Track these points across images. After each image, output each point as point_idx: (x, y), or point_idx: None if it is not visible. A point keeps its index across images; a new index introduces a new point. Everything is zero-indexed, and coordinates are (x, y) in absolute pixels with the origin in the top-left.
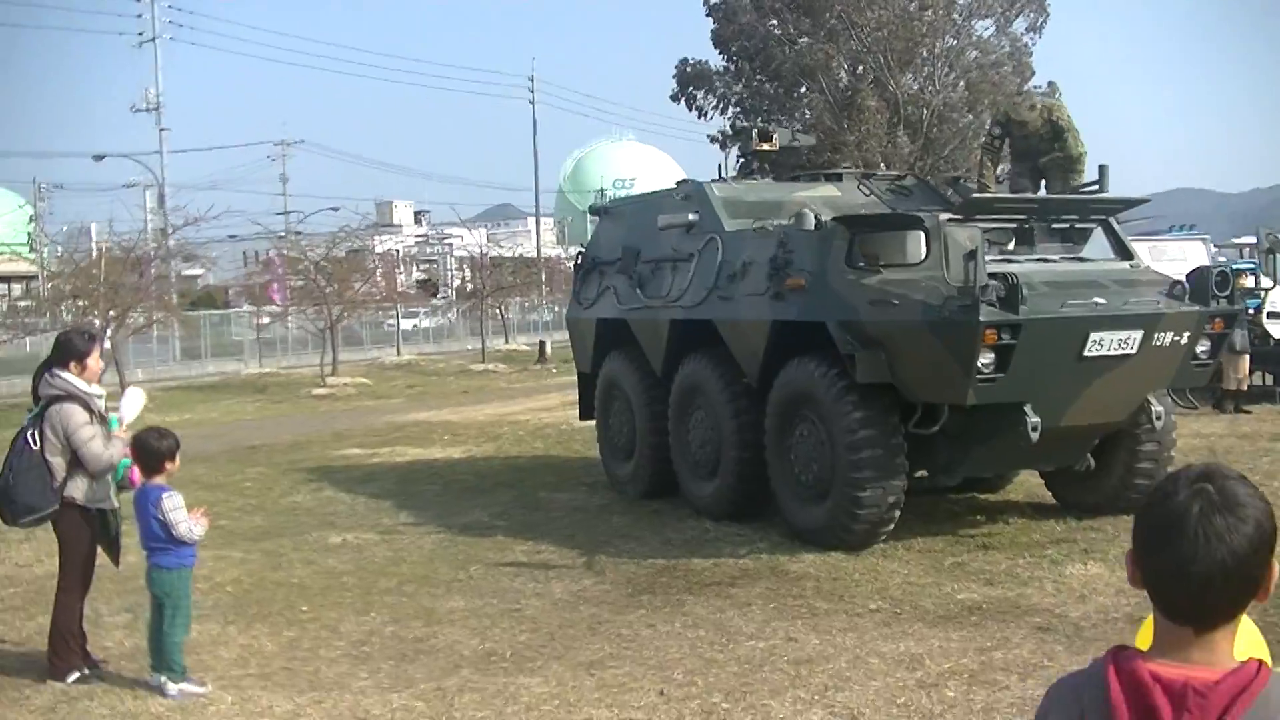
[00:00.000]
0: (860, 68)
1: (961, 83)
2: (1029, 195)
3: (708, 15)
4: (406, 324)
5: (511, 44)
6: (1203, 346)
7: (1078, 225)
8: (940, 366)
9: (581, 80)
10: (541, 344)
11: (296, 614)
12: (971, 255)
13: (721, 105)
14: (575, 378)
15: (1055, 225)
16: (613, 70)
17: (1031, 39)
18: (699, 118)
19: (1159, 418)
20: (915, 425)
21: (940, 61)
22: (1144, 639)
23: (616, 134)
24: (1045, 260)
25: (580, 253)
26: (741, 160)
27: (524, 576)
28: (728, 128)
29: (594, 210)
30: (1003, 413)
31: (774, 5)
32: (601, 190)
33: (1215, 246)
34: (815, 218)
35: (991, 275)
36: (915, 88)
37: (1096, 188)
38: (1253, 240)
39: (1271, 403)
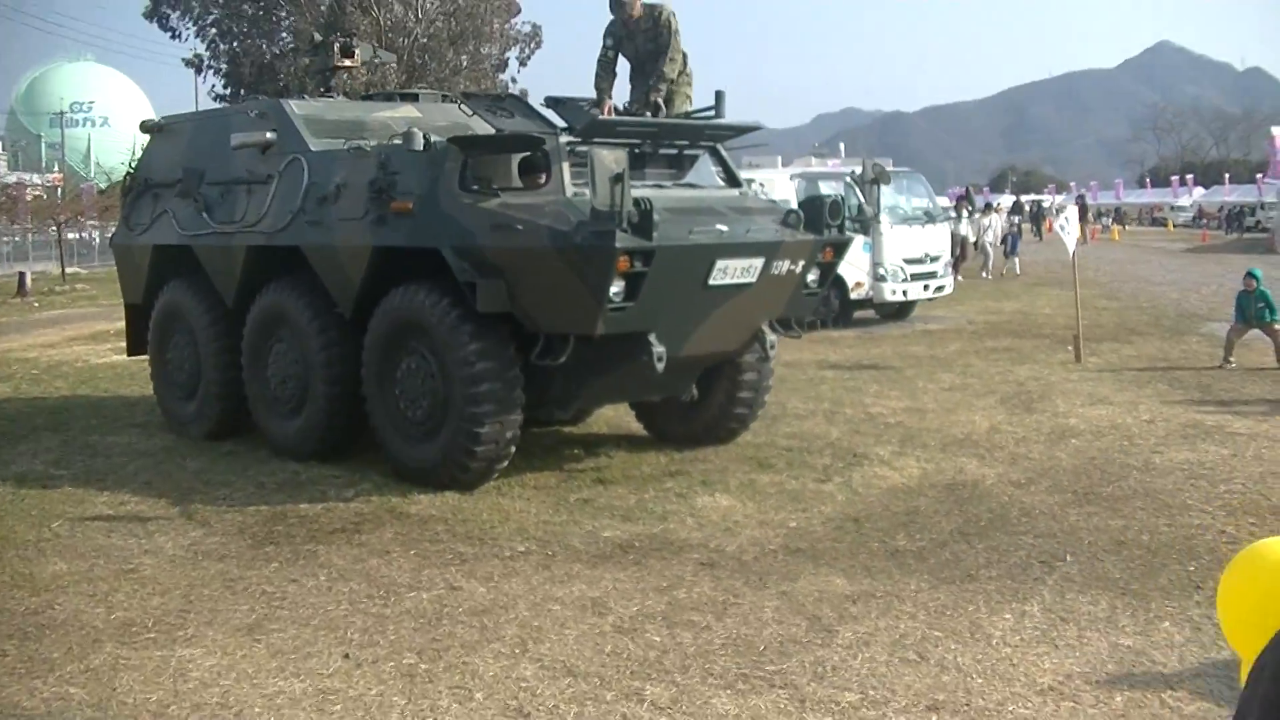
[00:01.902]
0: None
1: (443, 15)
2: (649, 119)
3: None
4: None
5: None
6: (813, 276)
7: (686, 151)
8: (568, 295)
9: None
10: (21, 275)
11: None
12: (619, 178)
13: (199, 27)
14: (64, 312)
15: (663, 151)
16: None
17: None
18: (172, 39)
19: (772, 347)
20: (538, 357)
21: None
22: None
23: (75, 53)
24: (660, 186)
25: (129, 174)
26: (320, 76)
27: (120, 532)
28: (202, 50)
29: (144, 127)
30: (625, 343)
31: None
32: (61, 114)
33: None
34: (425, 138)
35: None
36: (400, 13)
37: (713, 113)
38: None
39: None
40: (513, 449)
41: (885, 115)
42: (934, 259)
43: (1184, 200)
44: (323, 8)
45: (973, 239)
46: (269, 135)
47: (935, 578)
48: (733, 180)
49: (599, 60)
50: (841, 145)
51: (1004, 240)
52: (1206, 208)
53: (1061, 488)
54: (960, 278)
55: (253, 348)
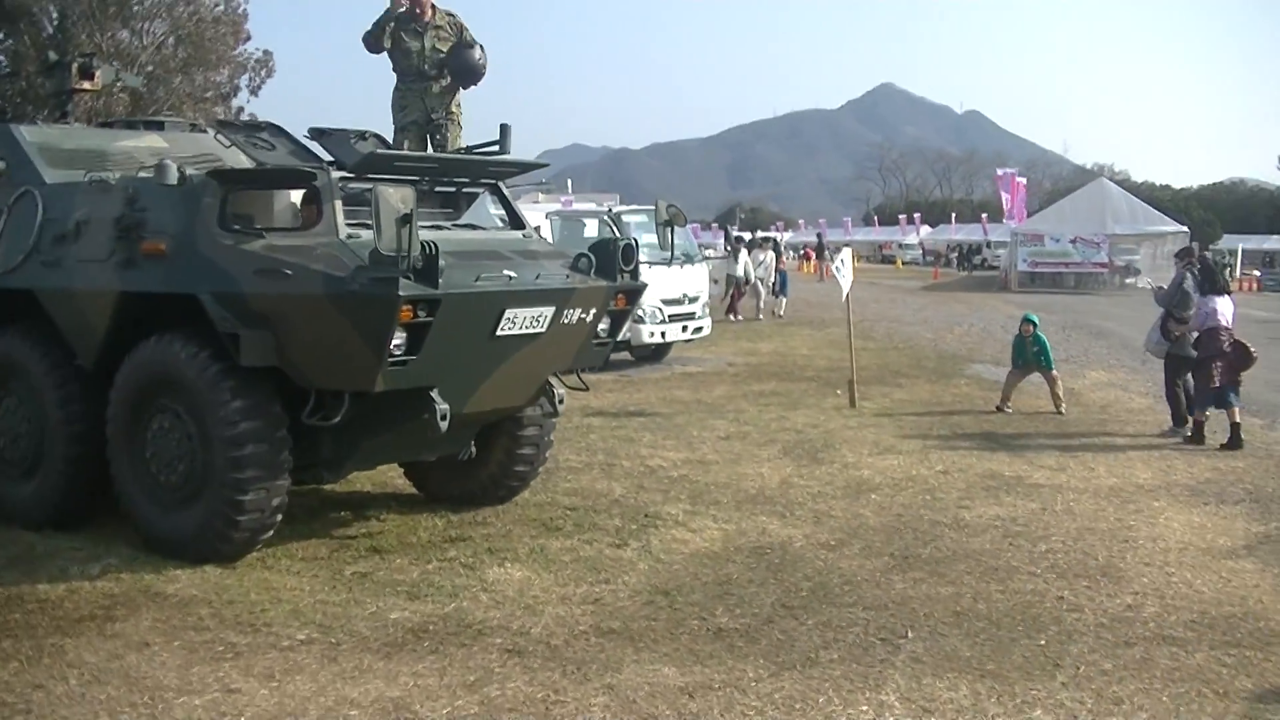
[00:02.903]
0: (71, 14)
1: (172, 39)
2: (429, 154)
3: None
4: None
5: None
6: (604, 324)
7: (465, 190)
8: (344, 348)
9: None
10: None
11: None
12: (406, 220)
13: None
14: None
15: (438, 189)
16: None
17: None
18: None
19: (561, 401)
20: (309, 416)
21: (154, 15)
22: None
23: None
24: (439, 228)
25: None
26: (55, 99)
27: None
28: None
29: None
30: (405, 400)
31: None
32: None
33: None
34: (179, 170)
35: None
36: (127, 40)
37: (497, 149)
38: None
39: None
40: (279, 517)
41: (612, 151)
42: (692, 299)
43: (911, 238)
44: (44, 35)
45: (750, 277)
46: None
47: (772, 662)
48: (516, 221)
49: (370, 36)
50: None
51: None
52: (933, 245)
53: (876, 550)
54: (739, 317)
55: None
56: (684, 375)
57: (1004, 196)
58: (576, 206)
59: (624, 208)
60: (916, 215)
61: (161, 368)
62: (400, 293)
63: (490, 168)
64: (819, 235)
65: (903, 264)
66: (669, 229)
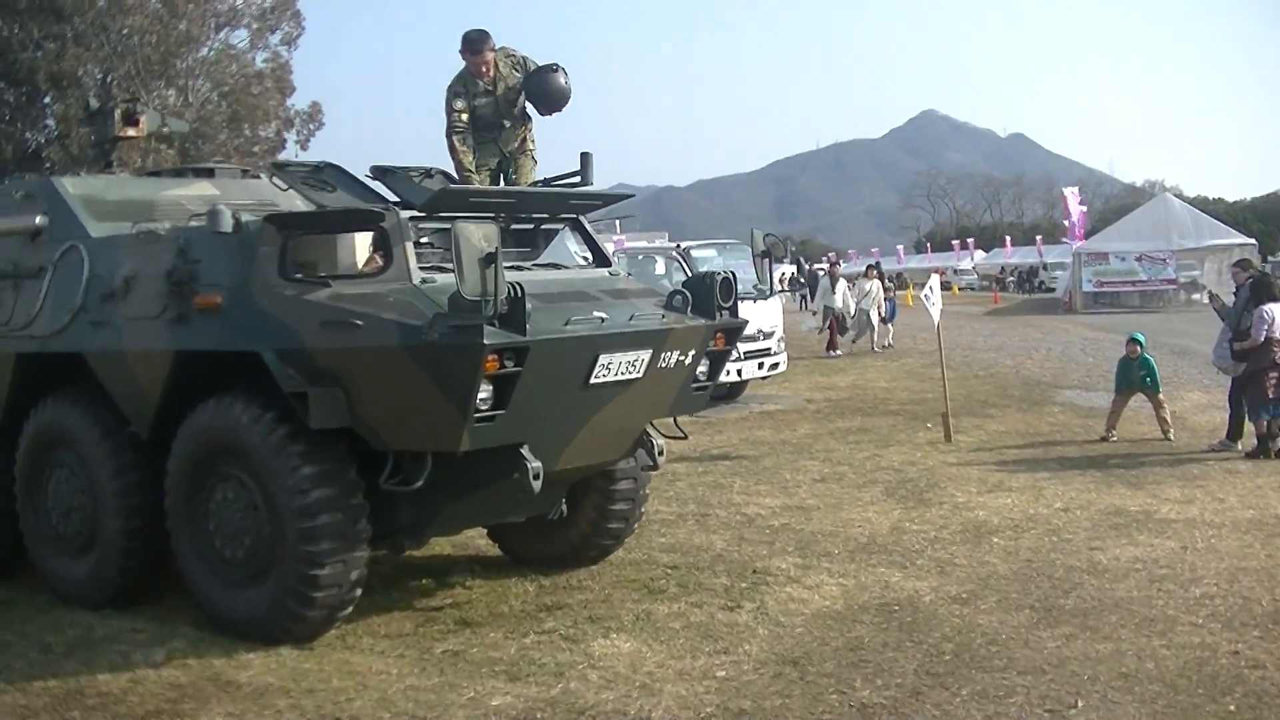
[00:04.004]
0: (112, 76)
1: (216, 95)
2: (506, 188)
3: None
4: None
5: None
6: (703, 367)
7: (544, 226)
8: (424, 404)
9: None
10: None
11: None
12: (491, 259)
13: None
14: None
15: (515, 227)
16: None
17: (288, 53)
18: None
19: (660, 453)
20: (387, 481)
21: (198, 74)
22: None
23: None
24: (519, 268)
25: None
26: (98, 149)
27: None
28: None
29: None
30: (492, 459)
31: (17, 6)
32: None
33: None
34: (235, 216)
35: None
36: (172, 99)
37: (579, 180)
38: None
39: None
40: (358, 592)
41: (657, 190)
42: (767, 335)
43: (965, 263)
44: (90, 96)
45: (851, 309)
46: (38, 220)
47: None
48: (601, 258)
49: (452, 130)
50: (617, 222)
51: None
52: (987, 270)
53: (1014, 602)
54: (838, 352)
55: (27, 475)
56: (763, 414)
57: (1072, 213)
58: (628, 245)
59: (692, 243)
60: (970, 241)
61: (222, 433)
62: (485, 341)
63: (571, 200)
64: (877, 264)
65: (959, 289)
66: (766, 259)
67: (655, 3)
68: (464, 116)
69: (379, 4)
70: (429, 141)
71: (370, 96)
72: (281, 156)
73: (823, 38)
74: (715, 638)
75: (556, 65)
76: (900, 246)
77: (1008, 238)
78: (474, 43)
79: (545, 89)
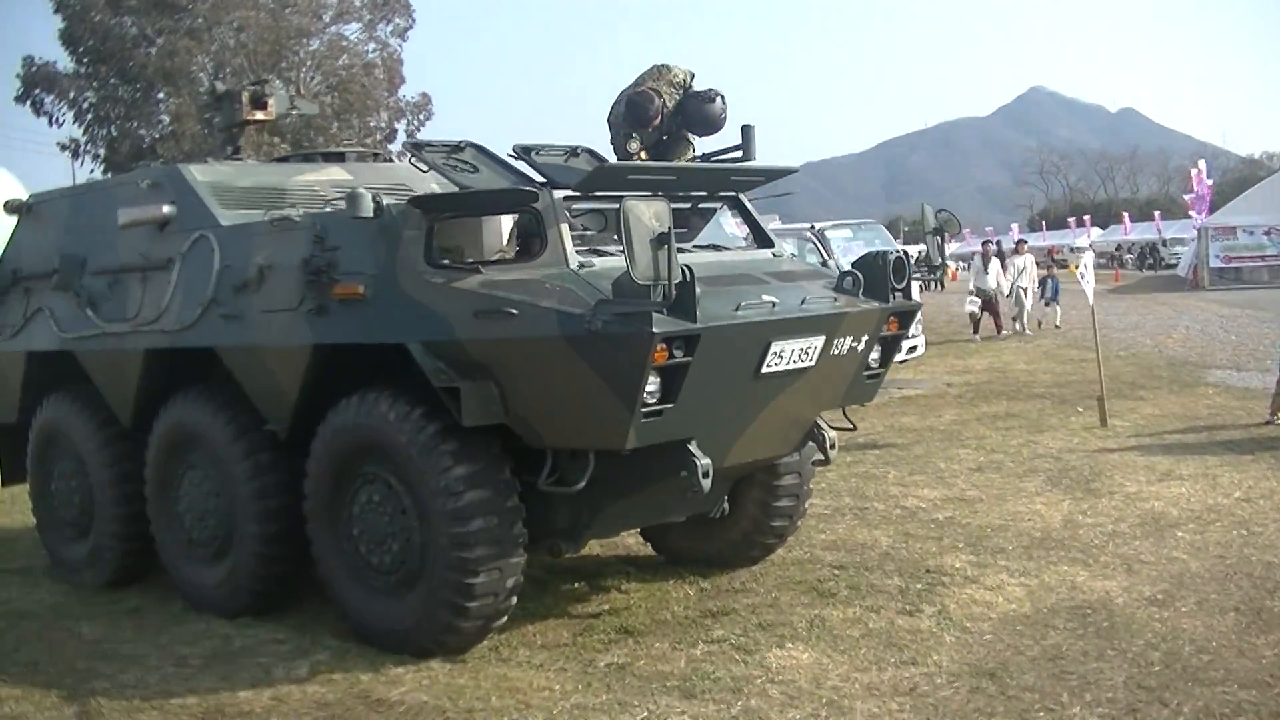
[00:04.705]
0: (225, 70)
1: (326, 88)
2: (666, 164)
3: (56, 11)
4: None
5: None
6: (874, 353)
7: (701, 205)
8: (586, 399)
9: None
10: None
11: None
12: (663, 240)
13: (74, 111)
14: None
15: (674, 206)
16: None
17: (399, 45)
18: (50, 124)
19: (833, 446)
20: (546, 482)
21: (308, 66)
22: None
23: None
24: (680, 250)
25: None
26: (225, 134)
27: None
28: (79, 134)
29: (9, 208)
30: (657, 456)
31: (130, 3)
32: None
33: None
34: (375, 200)
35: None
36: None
37: (740, 154)
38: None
39: None
40: (514, 600)
41: None
42: None
43: (1082, 241)
44: (202, 91)
45: (1005, 289)
46: (166, 209)
47: None
48: (763, 239)
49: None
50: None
51: (1041, 284)
52: (1103, 247)
53: (1216, 605)
54: (1002, 332)
55: (158, 477)
56: (904, 400)
57: (1197, 188)
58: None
59: (826, 224)
60: (1086, 218)
61: (366, 431)
62: (654, 329)
63: (734, 177)
64: (997, 243)
65: (1075, 268)
66: (939, 237)
67: None
68: (643, 155)
69: None
70: (537, 132)
71: (479, 86)
72: (391, 148)
73: (928, 15)
74: (899, 646)
75: (715, 93)
76: (1014, 225)
77: (1125, 214)
78: (641, 113)
79: (702, 117)
